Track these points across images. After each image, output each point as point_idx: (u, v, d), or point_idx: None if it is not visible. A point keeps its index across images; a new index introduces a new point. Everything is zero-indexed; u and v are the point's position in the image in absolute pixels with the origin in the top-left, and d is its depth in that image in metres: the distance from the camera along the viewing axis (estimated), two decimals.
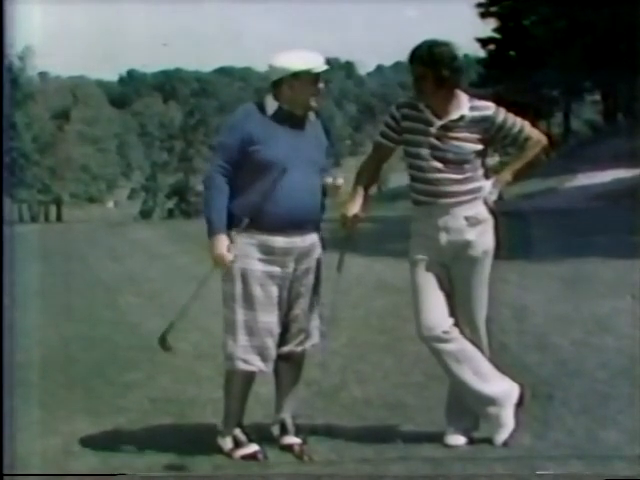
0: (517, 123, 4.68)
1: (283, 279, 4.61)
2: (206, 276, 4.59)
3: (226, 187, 4.55)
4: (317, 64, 4.57)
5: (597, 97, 45.71)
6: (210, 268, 4.59)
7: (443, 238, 4.65)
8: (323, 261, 4.75)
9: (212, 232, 4.54)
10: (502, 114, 4.66)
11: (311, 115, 4.69)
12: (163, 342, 4.69)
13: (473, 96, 4.70)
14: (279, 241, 4.56)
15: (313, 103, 4.62)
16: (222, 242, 4.52)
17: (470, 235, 4.65)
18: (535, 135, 4.74)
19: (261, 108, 4.63)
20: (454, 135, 4.60)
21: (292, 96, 4.57)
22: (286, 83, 4.56)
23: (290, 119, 4.60)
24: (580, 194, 22.86)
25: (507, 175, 4.75)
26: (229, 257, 4.51)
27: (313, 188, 4.62)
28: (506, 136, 4.68)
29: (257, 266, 4.56)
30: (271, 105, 4.62)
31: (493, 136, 4.67)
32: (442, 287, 4.70)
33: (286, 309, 4.67)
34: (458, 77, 4.61)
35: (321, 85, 4.61)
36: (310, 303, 4.72)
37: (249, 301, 4.56)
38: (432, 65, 4.53)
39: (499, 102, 4.74)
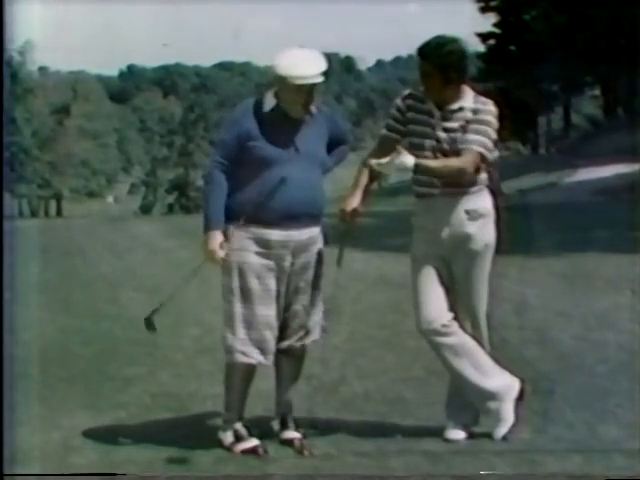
0: (476, 136, 4.53)
1: (280, 272, 4.61)
2: (198, 266, 4.61)
3: (225, 183, 4.57)
4: (309, 73, 4.48)
5: (597, 92, 45.66)
6: (202, 261, 4.62)
7: (444, 231, 4.65)
8: (324, 256, 4.76)
9: (207, 228, 4.59)
10: (487, 117, 4.57)
11: (312, 108, 4.66)
12: (148, 323, 4.70)
13: (478, 92, 4.69)
14: (275, 234, 4.56)
15: (306, 108, 4.57)
16: (215, 238, 4.55)
17: (471, 228, 4.65)
18: (465, 160, 4.51)
19: (260, 104, 4.62)
20: (455, 126, 4.59)
21: (285, 98, 4.56)
22: (280, 84, 4.55)
23: (288, 116, 4.59)
24: (580, 189, 22.83)
25: (416, 162, 4.45)
26: (220, 254, 4.55)
27: (312, 182, 4.61)
28: (466, 130, 4.57)
29: (254, 259, 4.57)
30: (270, 101, 4.61)
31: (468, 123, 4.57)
32: (442, 281, 4.70)
33: (286, 304, 4.67)
34: (465, 74, 4.61)
35: (312, 94, 4.53)
36: (311, 298, 4.72)
37: (247, 294, 4.57)
38: (441, 64, 4.51)
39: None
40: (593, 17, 34.35)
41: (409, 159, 4.44)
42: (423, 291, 4.68)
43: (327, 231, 4.76)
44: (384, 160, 4.45)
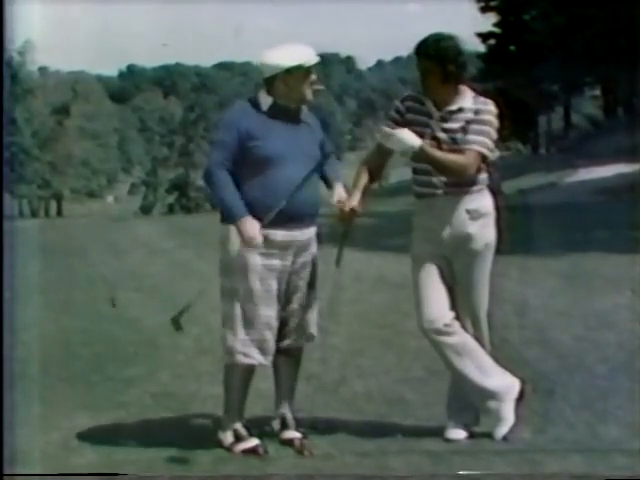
0: (478, 136, 4.55)
1: (282, 272, 4.61)
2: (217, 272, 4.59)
3: (230, 177, 4.54)
4: (308, 58, 4.58)
5: (597, 92, 45.64)
6: (218, 261, 4.61)
7: (445, 231, 4.65)
8: (319, 256, 4.76)
9: (236, 215, 4.50)
10: (488, 116, 4.59)
11: (305, 108, 4.69)
12: (176, 323, 4.67)
13: (478, 93, 4.69)
14: (279, 234, 4.56)
15: (308, 96, 4.62)
16: (252, 224, 4.47)
17: (472, 228, 4.65)
18: (468, 159, 4.53)
19: (255, 104, 4.63)
20: (455, 127, 4.59)
21: (287, 91, 4.58)
22: (280, 79, 4.56)
23: (285, 113, 4.61)
24: (581, 189, 22.81)
25: (422, 145, 4.50)
26: (260, 238, 4.48)
27: (311, 181, 4.62)
28: (467, 131, 4.60)
29: (257, 260, 4.56)
30: (265, 100, 4.62)
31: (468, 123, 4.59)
32: (443, 280, 4.70)
33: (284, 303, 4.67)
34: (463, 72, 4.61)
35: (314, 77, 4.61)
36: (308, 297, 4.72)
37: (248, 295, 4.56)
38: (438, 60, 4.54)
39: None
40: (593, 17, 34.33)
41: (416, 139, 4.49)
42: (425, 290, 4.68)
43: (321, 230, 4.76)
44: (391, 131, 4.51)
